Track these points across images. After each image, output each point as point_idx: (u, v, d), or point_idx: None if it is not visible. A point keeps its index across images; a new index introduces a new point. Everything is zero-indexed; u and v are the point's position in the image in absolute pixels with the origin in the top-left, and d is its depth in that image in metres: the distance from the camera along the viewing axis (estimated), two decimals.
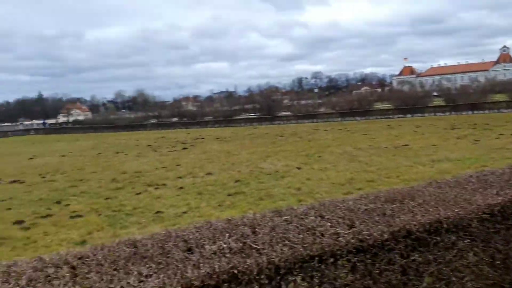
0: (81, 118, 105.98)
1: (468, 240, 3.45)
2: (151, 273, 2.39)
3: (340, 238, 2.91)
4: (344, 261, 2.83)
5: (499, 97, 47.86)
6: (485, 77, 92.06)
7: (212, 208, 10.11)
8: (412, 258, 3.16)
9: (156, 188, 13.08)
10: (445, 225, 3.33)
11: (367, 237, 2.97)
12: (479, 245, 3.53)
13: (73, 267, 2.50)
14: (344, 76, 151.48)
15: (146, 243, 2.90)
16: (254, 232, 3.02)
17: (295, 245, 2.77)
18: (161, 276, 2.34)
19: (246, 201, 10.58)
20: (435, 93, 60.54)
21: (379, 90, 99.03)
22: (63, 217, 10.18)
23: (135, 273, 2.39)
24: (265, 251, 2.67)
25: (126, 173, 16.61)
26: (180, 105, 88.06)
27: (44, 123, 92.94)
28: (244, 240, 2.85)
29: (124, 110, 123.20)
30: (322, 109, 59.49)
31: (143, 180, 14.78)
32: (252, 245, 2.75)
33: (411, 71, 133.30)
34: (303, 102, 70.56)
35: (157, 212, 10.04)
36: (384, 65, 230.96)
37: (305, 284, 2.67)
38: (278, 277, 2.57)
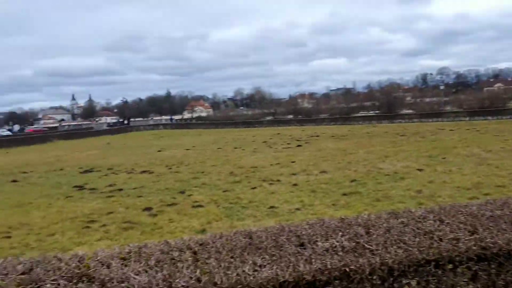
0: (203, 114, 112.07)
1: None
2: (264, 264, 2.49)
3: (460, 244, 2.74)
4: (464, 268, 2.66)
5: None
6: None
7: (326, 206, 10.07)
8: None
9: (270, 184, 13.39)
10: None
11: (491, 245, 2.75)
12: None
13: (195, 252, 2.70)
14: (474, 72, 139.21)
15: (261, 235, 3.02)
16: (368, 233, 2.98)
17: (410, 248, 2.68)
18: (274, 267, 2.43)
19: (362, 201, 10.35)
20: None
21: None
22: (186, 206, 10.91)
23: (250, 262, 2.51)
24: (378, 252, 2.62)
25: (243, 168, 17.26)
26: (295, 102, 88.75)
27: (171, 119, 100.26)
28: (357, 240, 2.83)
29: (242, 107, 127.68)
30: (448, 108, 55.78)
31: (259, 175, 15.23)
32: (365, 245, 2.72)
33: None
34: (427, 99, 66.75)
35: (271, 207, 10.28)
36: None
37: None
38: (391, 279, 2.51)
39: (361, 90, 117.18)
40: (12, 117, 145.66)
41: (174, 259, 2.59)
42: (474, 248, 2.72)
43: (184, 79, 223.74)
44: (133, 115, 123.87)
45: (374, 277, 2.45)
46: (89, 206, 11.47)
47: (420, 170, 14.23)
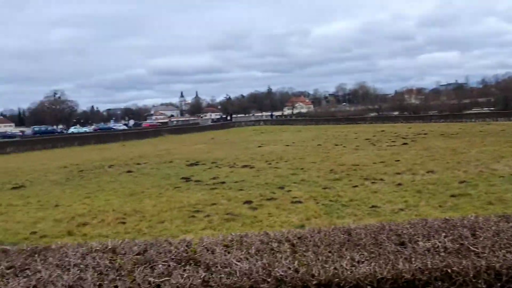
0: (304, 110, 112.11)
1: None
2: (362, 260, 2.49)
3: None
4: None
5: None
6: None
7: (432, 208, 9.58)
8: None
9: (373, 183, 13.06)
10: None
11: None
12: None
13: (293, 245, 2.78)
14: None
15: (360, 232, 3.01)
16: (474, 235, 2.83)
17: None
18: (372, 264, 2.42)
19: (472, 204, 9.68)
20: None
21: None
22: (285, 201, 11.06)
23: (348, 257, 2.52)
24: (484, 255, 2.48)
25: (344, 165, 17.02)
26: (402, 98, 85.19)
27: (271, 115, 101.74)
28: (461, 242, 2.70)
29: (344, 103, 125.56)
30: None
31: (360, 173, 14.92)
32: (470, 247, 2.59)
33: None
34: None
35: (373, 206, 10.03)
36: None
37: None
38: (499, 284, 2.36)
39: (474, 86, 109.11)
40: (128, 113, 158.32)
41: (273, 249, 2.68)
42: None
43: (285, 75, 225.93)
44: (235, 111, 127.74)
45: (479, 281, 2.33)
46: (195, 197, 12.12)
47: None
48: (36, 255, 2.50)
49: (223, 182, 14.34)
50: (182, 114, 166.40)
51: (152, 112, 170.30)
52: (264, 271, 2.31)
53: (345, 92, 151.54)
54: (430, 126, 43.66)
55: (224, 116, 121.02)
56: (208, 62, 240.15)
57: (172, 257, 2.47)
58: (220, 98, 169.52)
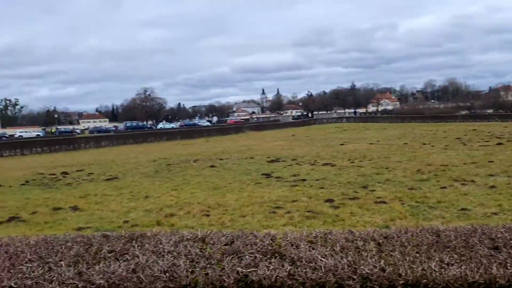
0: (389, 108, 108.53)
1: None
2: (452, 262, 2.40)
3: None
4: None
5: None
6: None
7: None
8: None
9: (463, 184, 12.36)
10: None
11: None
12: None
13: (379, 244, 2.74)
14: None
15: (449, 234, 2.89)
16: None
17: None
18: (463, 267, 2.32)
19: None
20: None
21: None
22: (368, 201, 10.81)
23: (437, 259, 2.44)
24: None
25: (432, 165, 16.27)
26: (497, 95, 79.47)
27: (355, 112, 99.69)
28: None
29: (433, 100, 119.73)
30: None
31: (449, 174, 14.18)
32: None
33: None
34: None
35: (463, 209, 9.50)
36: None
37: None
38: None
39: None
40: (211, 110, 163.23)
41: (358, 247, 2.66)
42: None
43: (369, 71, 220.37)
44: (317, 108, 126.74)
45: None
46: (276, 193, 12.24)
47: None
48: (134, 241, 2.70)
49: (304, 180, 14.32)
50: (263, 111, 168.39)
51: (234, 109, 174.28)
52: (349, 268, 2.31)
53: (434, 88, 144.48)
54: None
55: (305, 113, 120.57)
56: (290, 59, 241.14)
57: (258, 249, 2.54)
58: (301, 95, 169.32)
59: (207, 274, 2.14)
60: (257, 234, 2.92)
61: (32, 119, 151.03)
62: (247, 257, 2.42)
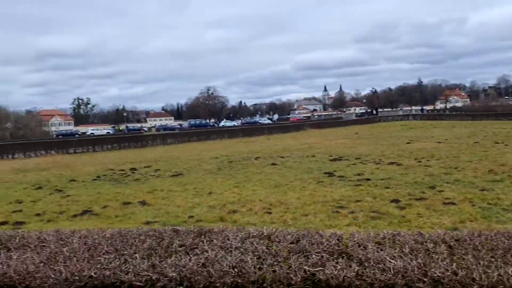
0: (459, 105, 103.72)
1: None
2: None
3: None
4: None
5: None
6: None
7: None
8: None
9: None
10: None
11: None
12: None
13: (450, 247, 2.64)
14: None
15: None
16: None
17: None
18: None
19: None
20: None
21: None
22: (436, 202, 10.41)
23: None
24: None
25: (506, 166, 15.36)
26: None
27: (422, 109, 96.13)
28: None
29: (507, 97, 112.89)
30: None
31: None
32: None
33: None
34: None
35: None
36: None
37: None
38: None
39: None
40: (272, 107, 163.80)
41: (428, 250, 2.58)
42: None
43: (436, 66, 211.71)
44: (381, 105, 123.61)
45: None
46: (338, 192, 12.08)
47: None
48: (202, 236, 2.78)
49: (368, 179, 14.02)
50: (325, 108, 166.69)
51: (295, 106, 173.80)
52: (419, 270, 2.25)
53: (508, 84, 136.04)
54: None
55: (369, 110, 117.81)
56: (352, 55, 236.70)
57: (325, 249, 2.54)
58: (365, 91, 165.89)
59: (274, 271, 2.17)
60: (322, 233, 2.90)
61: (103, 117, 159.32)
62: (313, 256, 2.42)
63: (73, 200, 13.05)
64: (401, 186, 12.60)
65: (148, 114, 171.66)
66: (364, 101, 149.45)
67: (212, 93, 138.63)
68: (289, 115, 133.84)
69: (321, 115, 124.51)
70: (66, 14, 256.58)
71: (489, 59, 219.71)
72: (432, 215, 9.20)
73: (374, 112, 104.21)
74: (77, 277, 2.21)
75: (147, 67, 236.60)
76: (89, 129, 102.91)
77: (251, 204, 11.07)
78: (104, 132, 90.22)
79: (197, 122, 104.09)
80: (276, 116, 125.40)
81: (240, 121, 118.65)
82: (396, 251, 2.58)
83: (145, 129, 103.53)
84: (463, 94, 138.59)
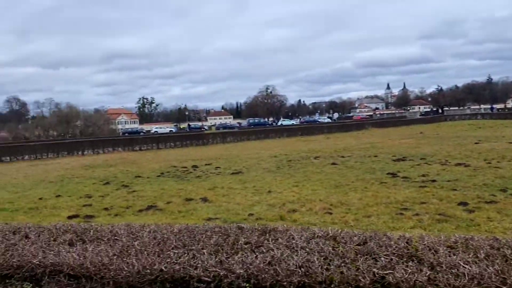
0: None
1: None
2: None
3: None
4: None
5: None
6: None
7: None
8: None
9: None
10: None
11: None
12: None
13: None
14: None
15: None
16: None
17: None
18: None
19: None
20: None
21: None
22: (508, 205, 9.83)
23: None
24: None
25: None
26: None
27: (491, 108, 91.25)
28: None
29: None
30: None
31: None
32: None
33: None
34: None
35: None
36: None
37: None
38: None
39: None
40: (332, 106, 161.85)
41: (506, 256, 2.44)
42: None
43: (508, 63, 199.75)
44: (447, 103, 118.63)
45: None
46: (402, 194, 11.71)
47: None
48: (267, 234, 2.79)
49: (434, 180, 13.49)
50: (387, 107, 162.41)
51: (356, 105, 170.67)
52: (497, 277, 2.12)
53: None
54: None
55: (434, 109, 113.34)
56: (417, 52, 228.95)
57: (393, 251, 2.46)
58: (430, 89, 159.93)
59: (342, 272, 2.13)
60: (390, 235, 2.82)
61: (166, 116, 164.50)
62: (382, 258, 2.35)
63: (139, 196, 13.58)
64: (469, 188, 12.02)
65: (208, 113, 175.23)
66: (429, 99, 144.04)
67: (271, 92, 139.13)
68: (349, 113, 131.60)
69: (384, 113, 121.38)
70: (132, 17, 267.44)
71: None
72: (504, 220, 8.70)
73: (440, 111, 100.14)
74: (148, 271, 2.29)
75: (208, 67, 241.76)
76: (153, 128, 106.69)
77: (311, 203, 10.99)
78: (167, 130, 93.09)
79: (256, 120, 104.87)
80: (336, 115, 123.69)
81: (298, 119, 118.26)
82: (470, 256, 2.45)
83: (206, 127, 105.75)
84: None
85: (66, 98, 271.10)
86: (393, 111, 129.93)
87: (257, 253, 2.45)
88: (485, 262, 2.35)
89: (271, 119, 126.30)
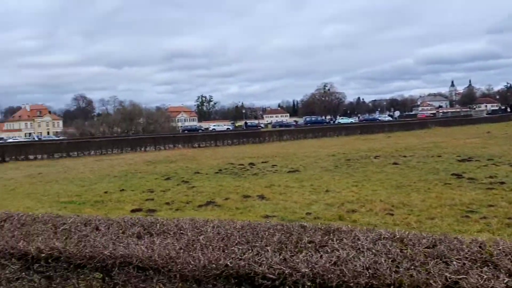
0: None
1: None
2: None
3: None
4: None
5: None
6: None
7: None
8: None
9: None
10: None
11: None
12: None
13: None
14: None
15: None
16: None
17: None
18: None
19: None
20: None
21: None
22: None
23: None
24: None
25: None
26: None
27: None
28: None
29: None
30: None
31: None
32: None
33: None
34: None
35: None
36: None
37: None
38: None
39: None
40: (393, 104, 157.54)
41: None
42: None
43: None
44: None
45: None
46: (468, 196, 11.20)
47: None
48: (331, 234, 2.75)
49: (503, 183, 12.78)
50: (451, 105, 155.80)
51: (418, 103, 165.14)
52: None
53: None
54: None
55: (502, 107, 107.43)
56: (484, 47, 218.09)
57: (466, 255, 2.35)
58: (498, 86, 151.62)
59: (411, 276, 2.06)
60: (461, 239, 2.69)
61: (223, 114, 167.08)
62: (454, 262, 2.25)
63: (198, 191, 13.88)
64: None
65: (264, 111, 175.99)
66: (497, 97, 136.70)
67: (328, 89, 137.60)
68: (411, 111, 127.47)
69: (447, 112, 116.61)
70: (192, 16, 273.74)
71: None
72: None
73: (509, 109, 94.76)
74: (214, 265, 2.33)
75: (265, 65, 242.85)
76: (211, 125, 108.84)
77: (371, 204, 10.76)
78: (225, 128, 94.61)
79: (313, 118, 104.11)
80: (397, 113, 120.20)
81: (357, 118, 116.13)
82: None
83: (262, 125, 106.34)
84: None
85: (129, 96, 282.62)
86: (458, 110, 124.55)
87: (321, 253, 2.41)
88: None
89: (328, 117, 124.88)
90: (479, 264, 2.25)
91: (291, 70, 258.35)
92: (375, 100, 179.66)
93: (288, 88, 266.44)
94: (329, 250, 2.41)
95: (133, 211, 11.18)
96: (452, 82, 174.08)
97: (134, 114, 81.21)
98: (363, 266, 2.13)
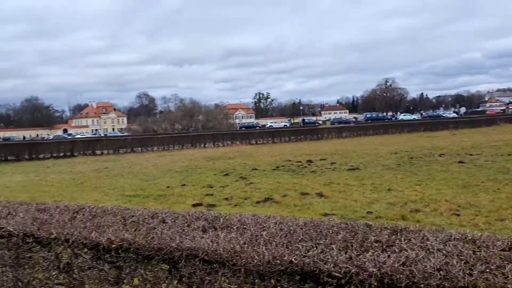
0: None
1: None
2: None
3: None
4: None
5: None
6: None
7: None
8: None
9: None
10: None
11: None
12: None
13: None
14: None
15: None
16: None
17: None
18: None
19: None
20: None
21: None
22: None
23: None
24: None
25: None
26: None
27: None
28: None
29: None
30: None
31: None
32: None
33: None
34: None
35: None
36: None
37: None
38: None
39: None
40: (458, 100, 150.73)
41: None
42: None
43: None
44: None
45: None
46: None
47: None
48: (398, 234, 2.67)
49: None
50: None
51: (486, 99, 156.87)
52: None
53: None
54: None
55: None
56: None
57: None
58: None
59: (487, 279, 1.96)
60: None
61: (280, 111, 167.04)
62: None
63: (256, 188, 13.99)
64: None
65: (323, 107, 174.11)
66: None
67: (390, 85, 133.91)
68: (478, 108, 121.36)
69: None
70: (249, 14, 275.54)
71: None
72: None
73: None
74: (278, 261, 2.33)
75: (323, 61, 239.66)
76: (268, 122, 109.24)
77: (435, 204, 10.38)
78: (282, 125, 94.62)
79: (373, 115, 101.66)
80: (463, 109, 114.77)
81: (420, 114, 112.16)
82: None
83: (320, 122, 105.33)
84: None
85: (190, 93, 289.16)
86: None
87: (389, 252, 2.35)
88: None
89: (389, 113, 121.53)
90: None
91: (350, 66, 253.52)
92: (439, 96, 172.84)
93: (348, 84, 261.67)
94: (397, 250, 2.34)
95: (194, 205, 11.47)
96: None
97: (194, 111, 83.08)
98: (433, 267, 2.05)
